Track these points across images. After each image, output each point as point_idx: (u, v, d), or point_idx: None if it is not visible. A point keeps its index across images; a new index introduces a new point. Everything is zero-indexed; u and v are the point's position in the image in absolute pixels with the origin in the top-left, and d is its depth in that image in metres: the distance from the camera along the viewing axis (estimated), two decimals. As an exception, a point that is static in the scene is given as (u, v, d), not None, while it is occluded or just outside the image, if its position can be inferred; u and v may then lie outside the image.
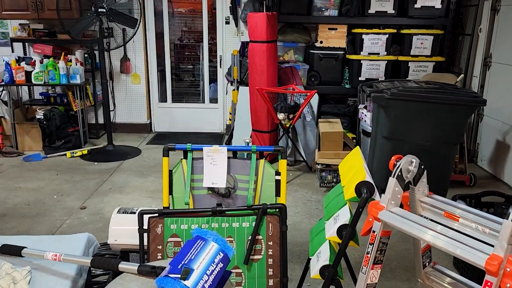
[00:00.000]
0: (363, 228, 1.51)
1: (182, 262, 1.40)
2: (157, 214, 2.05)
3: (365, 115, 3.92)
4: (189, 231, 2.06)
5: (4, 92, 4.94)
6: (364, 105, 4.03)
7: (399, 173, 1.44)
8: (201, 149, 2.10)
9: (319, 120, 4.41)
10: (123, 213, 2.33)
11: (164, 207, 2.11)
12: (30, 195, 3.86)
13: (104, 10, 4.51)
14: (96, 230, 3.19)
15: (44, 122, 5.00)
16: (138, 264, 1.56)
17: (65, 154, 4.86)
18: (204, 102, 5.93)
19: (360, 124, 4.14)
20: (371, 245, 1.44)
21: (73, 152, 4.87)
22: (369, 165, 3.61)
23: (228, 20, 5.46)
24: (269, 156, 4.22)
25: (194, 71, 7.16)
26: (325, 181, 4.00)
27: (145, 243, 2.05)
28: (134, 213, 2.31)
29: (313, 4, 4.84)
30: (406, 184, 1.51)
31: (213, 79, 5.86)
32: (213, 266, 1.44)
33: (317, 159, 4.04)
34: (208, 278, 1.41)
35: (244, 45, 5.05)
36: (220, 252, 1.50)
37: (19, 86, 5.19)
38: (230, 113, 5.56)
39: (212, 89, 5.93)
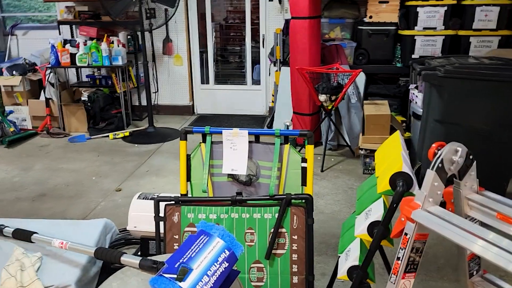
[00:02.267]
0: (393, 228, 1.27)
1: (180, 261, 1.24)
2: (173, 202, 1.92)
3: (416, 96, 3.55)
4: (207, 220, 1.90)
5: (51, 74, 5.05)
6: (415, 85, 3.65)
7: (440, 165, 1.17)
8: (221, 132, 1.92)
9: (365, 102, 4.08)
10: (143, 198, 2.23)
11: (181, 195, 1.97)
12: (70, 176, 3.91)
13: (143, -10, 4.43)
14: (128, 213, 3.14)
15: (89, 104, 5.08)
16: (140, 258, 1.43)
17: (108, 136, 4.91)
18: (246, 84, 5.75)
19: (411, 106, 3.76)
20: (402, 249, 1.20)
21: (115, 134, 4.90)
22: (418, 153, 3.27)
23: (271, -3, 5.19)
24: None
25: (241, 52, 6.99)
26: (369, 168, 3.70)
27: (162, 231, 1.94)
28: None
29: (362, -24, 4.46)
30: (450, 177, 1.24)
31: (257, 61, 5.65)
32: (215, 266, 1.27)
33: (360, 144, 3.74)
34: (209, 280, 1.24)
35: (288, 23, 4.76)
36: (226, 250, 1.32)
37: (65, 68, 5.29)
38: (273, 95, 5.34)
39: (256, 71, 5.73)
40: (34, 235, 1.72)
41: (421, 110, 3.33)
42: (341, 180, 3.69)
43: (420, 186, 1.35)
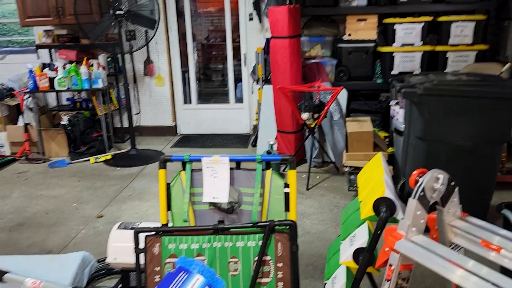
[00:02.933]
0: (378, 259, 1.24)
1: (159, 301, 1.20)
2: (153, 233, 1.86)
3: (397, 112, 3.57)
4: (189, 251, 1.85)
5: (30, 99, 4.96)
6: (396, 101, 3.67)
7: (422, 193, 1.15)
8: (200, 160, 1.88)
9: (347, 119, 4.09)
10: (123, 228, 2.16)
11: (162, 225, 1.92)
12: (50, 203, 3.81)
13: (122, 12, 4.40)
14: (110, 242, 3.05)
15: (69, 128, 4.98)
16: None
17: (89, 160, 4.81)
18: (229, 103, 5.74)
19: (393, 122, 3.78)
20: (387, 281, 1.17)
21: (96, 158, 4.81)
22: (402, 169, 3.27)
23: (251, 17, 5.22)
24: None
25: (223, 70, 6.99)
26: (354, 185, 3.68)
27: (143, 263, 1.87)
28: (136, 228, 2.13)
29: (340, -5, 4.52)
30: (432, 204, 1.22)
31: (239, 79, 5.65)
32: (196, 305, 1.22)
33: (345, 161, 3.73)
34: (190, 320, 1.19)
35: (269, 41, 4.78)
36: (207, 287, 1.27)
37: (44, 93, 5.20)
38: (257, 113, 5.33)
39: (239, 89, 5.72)
40: (6, 275, 1.64)
41: (403, 126, 3.35)
42: (327, 198, 3.66)
43: (405, 202, 1.32)
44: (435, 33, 4.48)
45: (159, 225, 1.93)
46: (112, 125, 5.45)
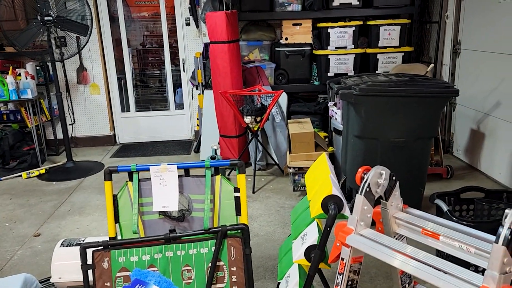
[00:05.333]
0: (330, 254, 1.30)
1: (115, 317, 1.16)
2: (102, 247, 1.80)
3: (336, 113, 3.73)
4: (140, 263, 1.81)
5: None
6: (333, 102, 3.83)
7: (368, 189, 1.22)
8: (148, 169, 1.85)
9: (289, 121, 4.20)
10: (67, 245, 2.07)
11: (110, 238, 1.86)
12: (-21, 225, 3.52)
13: (51, 18, 4.18)
14: (50, 260, 2.87)
15: (-4, 142, 4.64)
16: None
17: (21, 175, 4.51)
18: (169, 109, 5.65)
19: (331, 122, 3.94)
20: (340, 275, 1.22)
21: (29, 173, 4.52)
22: (342, 167, 3.42)
23: (188, 22, 5.19)
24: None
25: (161, 76, 6.86)
26: (299, 185, 3.79)
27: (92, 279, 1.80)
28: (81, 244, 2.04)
29: (275, 0, 4.63)
30: (377, 199, 1.30)
31: (179, 84, 5.59)
32: (154, 317, 1.21)
33: (288, 162, 3.83)
34: (149, 333, 1.17)
35: (207, 46, 4.79)
36: (164, 298, 1.26)
37: (-34, 105, 4.81)
38: (198, 119, 5.30)
39: (179, 95, 5.65)
40: None
41: (341, 126, 3.50)
42: (273, 200, 3.73)
43: (346, 199, 1.40)
44: (366, 36, 4.74)
45: (106, 238, 1.86)
46: (45, 137, 5.15)
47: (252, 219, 3.38)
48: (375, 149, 3.03)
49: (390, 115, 2.94)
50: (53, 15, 4.20)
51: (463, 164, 4.35)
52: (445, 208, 2.32)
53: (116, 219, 1.88)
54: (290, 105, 4.72)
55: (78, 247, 2.03)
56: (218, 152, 4.25)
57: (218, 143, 4.41)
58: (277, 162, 4.30)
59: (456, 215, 2.46)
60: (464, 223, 2.06)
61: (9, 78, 4.49)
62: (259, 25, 4.91)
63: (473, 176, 4.05)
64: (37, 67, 5.00)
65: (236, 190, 1.87)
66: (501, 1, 3.66)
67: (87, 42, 4.52)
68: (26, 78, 4.61)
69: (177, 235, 1.81)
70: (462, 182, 3.87)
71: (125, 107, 5.59)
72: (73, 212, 3.68)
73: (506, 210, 0.95)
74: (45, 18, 4.17)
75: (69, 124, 5.30)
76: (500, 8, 3.69)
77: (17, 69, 4.68)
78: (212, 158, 4.08)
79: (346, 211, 1.55)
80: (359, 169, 1.30)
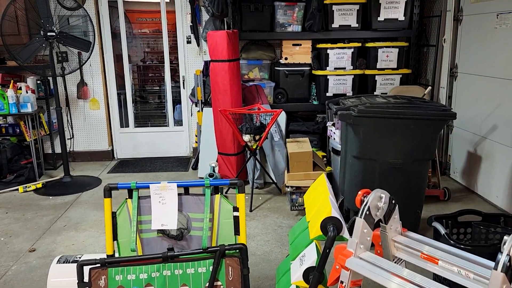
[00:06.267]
0: (329, 277, 1.30)
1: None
2: (99, 265, 1.79)
3: (334, 133, 3.75)
4: (137, 281, 1.79)
5: None
6: (332, 123, 3.87)
7: (367, 212, 1.23)
8: (148, 187, 1.85)
9: (287, 140, 4.22)
10: (64, 262, 2.05)
11: (107, 256, 1.85)
12: (-27, 238, 3.49)
13: (54, 34, 4.23)
14: (45, 276, 2.85)
15: (-7, 156, 4.63)
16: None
17: (18, 189, 4.49)
18: (168, 125, 5.67)
19: (330, 142, 3.97)
20: (339, 298, 1.22)
21: (26, 187, 4.50)
22: (340, 187, 3.43)
23: (189, 40, 5.26)
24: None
25: (160, 92, 6.90)
26: (296, 204, 3.79)
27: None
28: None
29: (275, 20, 4.70)
30: (377, 222, 1.31)
31: (178, 101, 5.62)
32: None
33: (286, 181, 3.83)
34: None
35: (207, 64, 4.84)
36: (162, 318, 1.25)
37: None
38: (196, 136, 5.32)
39: (177, 111, 5.68)
40: None
41: (340, 146, 3.52)
42: (270, 219, 3.72)
43: (344, 219, 1.40)
44: (364, 57, 4.81)
45: (103, 255, 1.85)
46: (43, 151, 5.15)
47: (249, 238, 3.37)
48: (373, 170, 3.04)
49: (388, 137, 2.97)
50: (56, 31, 4.25)
51: (460, 186, 4.36)
52: (442, 231, 2.32)
53: (114, 237, 1.87)
54: (289, 124, 4.75)
55: (75, 264, 2.03)
56: (216, 169, 4.26)
57: (216, 161, 4.42)
58: (275, 181, 4.30)
59: (453, 238, 2.46)
60: (462, 246, 2.07)
61: (10, 92, 4.51)
62: (259, 44, 4.98)
63: (470, 198, 4.06)
64: (38, 81, 5.04)
65: (235, 209, 1.87)
66: (497, 27, 3.74)
67: (88, 57, 4.56)
68: (27, 92, 4.63)
69: (175, 253, 1.80)
70: (459, 204, 3.88)
71: (124, 123, 5.61)
72: (69, 227, 3.65)
73: (505, 237, 0.96)
74: (48, 34, 4.22)
75: (68, 139, 5.31)
76: (496, 33, 3.77)
77: (18, 83, 4.70)
78: (210, 175, 4.10)
79: (345, 233, 1.55)
80: (359, 192, 1.31)
